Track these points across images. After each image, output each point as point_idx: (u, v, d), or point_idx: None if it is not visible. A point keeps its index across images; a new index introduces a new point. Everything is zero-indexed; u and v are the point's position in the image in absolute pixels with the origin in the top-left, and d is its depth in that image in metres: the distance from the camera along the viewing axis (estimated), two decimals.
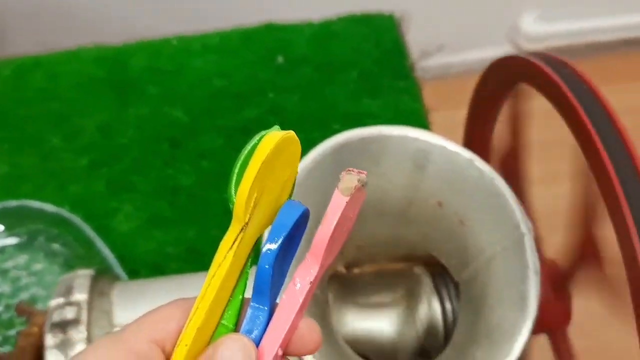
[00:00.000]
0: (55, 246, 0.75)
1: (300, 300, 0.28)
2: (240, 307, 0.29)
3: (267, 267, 0.27)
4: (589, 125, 0.45)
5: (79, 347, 0.49)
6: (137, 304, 0.52)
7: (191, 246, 0.77)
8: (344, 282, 0.58)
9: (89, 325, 0.50)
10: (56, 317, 0.50)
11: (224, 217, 0.79)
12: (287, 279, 0.29)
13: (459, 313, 0.53)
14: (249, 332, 0.28)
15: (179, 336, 0.27)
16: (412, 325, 0.55)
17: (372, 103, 0.89)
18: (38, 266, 0.75)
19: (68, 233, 0.76)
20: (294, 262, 0.29)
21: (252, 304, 0.28)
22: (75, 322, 0.50)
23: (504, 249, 0.49)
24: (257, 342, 0.28)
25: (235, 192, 0.27)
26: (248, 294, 0.29)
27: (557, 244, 0.57)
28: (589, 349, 0.64)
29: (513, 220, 0.49)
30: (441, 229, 0.53)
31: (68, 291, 0.52)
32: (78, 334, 0.49)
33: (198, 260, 0.75)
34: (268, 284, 0.27)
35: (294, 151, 0.29)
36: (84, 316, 0.50)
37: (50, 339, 0.49)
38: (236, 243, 0.28)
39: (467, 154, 0.51)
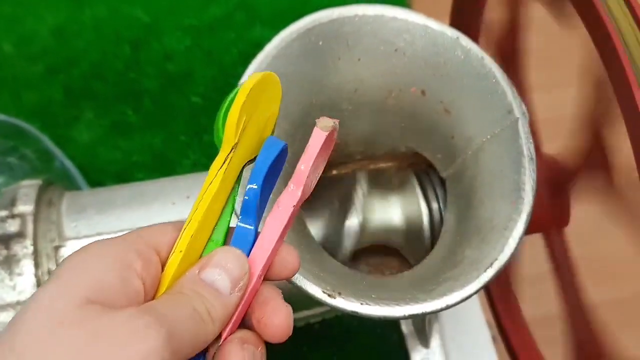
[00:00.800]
0: (12, 160, 0.70)
1: (285, 222, 0.31)
2: (228, 227, 0.31)
3: (250, 197, 0.30)
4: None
5: (25, 263, 0.44)
6: (90, 215, 0.47)
7: (158, 153, 0.71)
8: (319, 185, 0.53)
9: (35, 239, 0.45)
10: None
11: (192, 122, 0.74)
12: (268, 206, 0.32)
13: (446, 212, 0.48)
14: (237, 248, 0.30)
15: (172, 247, 0.29)
16: (395, 228, 0.50)
17: None
18: None
19: (25, 145, 0.70)
20: (275, 190, 0.32)
21: (239, 224, 0.31)
22: (19, 235, 0.45)
23: (494, 137, 0.44)
24: None
25: (224, 123, 0.31)
26: (233, 222, 0.31)
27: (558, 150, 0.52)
28: (584, 257, 0.60)
29: (504, 104, 0.43)
30: (425, 120, 0.48)
31: (11, 203, 0.47)
32: (23, 249, 0.44)
33: (166, 168, 0.70)
34: (254, 208, 0.31)
35: (276, 90, 0.34)
36: (29, 229, 0.45)
37: None
38: (226, 163, 0.31)
39: (451, 32, 0.45)
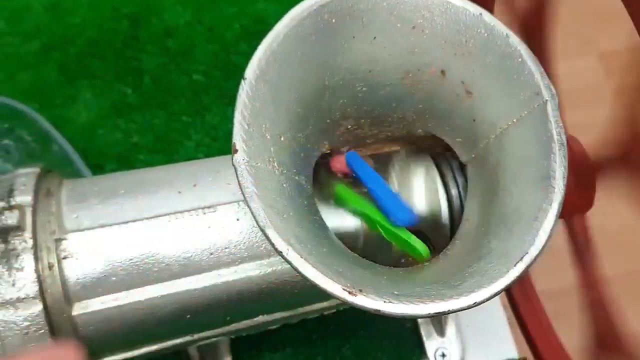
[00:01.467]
0: (7, 142, 0.67)
1: None
2: None
3: None
4: None
5: (25, 257, 0.41)
6: (91, 205, 0.45)
7: (160, 134, 0.69)
8: (330, 171, 0.50)
9: (35, 232, 0.43)
10: None
11: (194, 101, 0.71)
12: None
13: (467, 199, 0.46)
14: None
15: None
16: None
17: None
18: None
19: (20, 127, 0.68)
20: None
21: None
22: (17, 229, 0.42)
23: (520, 120, 0.41)
24: None
25: None
26: None
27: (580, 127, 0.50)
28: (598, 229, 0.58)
29: (531, 85, 0.41)
30: (444, 102, 0.45)
31: (8, 193, 0.44)
32: (22, 243, 0.42)
33: (168, 149, 0.68)
34: None
35: None
36: (28, 221, 0.43)
37: None
38: None
39: (474, 8, 0.42)
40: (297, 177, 0.43)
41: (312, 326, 0.60)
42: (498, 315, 0.62)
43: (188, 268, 0.44)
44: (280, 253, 0.36)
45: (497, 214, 0.41)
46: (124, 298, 0.43)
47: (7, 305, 0.41)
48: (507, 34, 0.42)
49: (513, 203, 0.40)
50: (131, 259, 0.43)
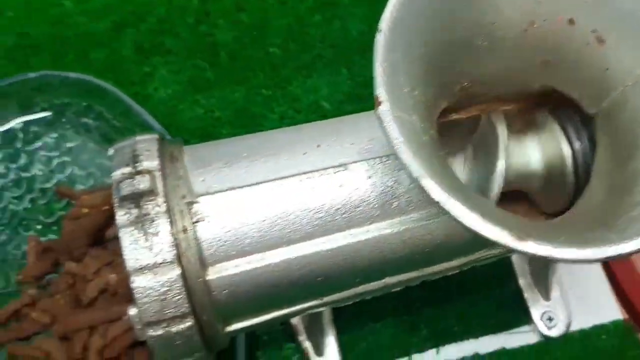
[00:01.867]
0: (87, 120, 0.66)
1: None
2: None
3: None
4: None
5: (160, 222, 0.41)
6: (217, 168, 0.44)
7: (241, 108, 0.68)
8: (446, 131, 0.50)
9: (167, 196, 0.42)
10: (126, 189, 0.41)
11: (272, 74, 0.70)
12: None
13: (598, 151, 0.45)
14: None
15: None
16: (533, 172, 0.47)
17: None
18: (70, 144, 0.66)
19: (99, 104, 0.67)
20: None
21: None
22: (150, 193, 0.41)
23: None
24: None
25: None
26: None
27: None
28: None
29: None
30: (572, 52, 0.44)
31: (133, 159, 0.43)
32: (155, 207, 0.41)
33: (252, 123, 0.67)
34: None
35: None
36: (159, 185, 0.42)
37: (122, 217, 0.41)
38: None
39: None
40: (431, 132, 0.42)
41: (414, 294, 0.59)
42: (599, 278, 0.61)
43: (321, 228, 0.43)
44: (438, 203, 0.35)
45: None
46: (259, 260, 0.42)
47: (145, 271, 0.40)
48: None
49: None
50: (264, 220, 0.43)
